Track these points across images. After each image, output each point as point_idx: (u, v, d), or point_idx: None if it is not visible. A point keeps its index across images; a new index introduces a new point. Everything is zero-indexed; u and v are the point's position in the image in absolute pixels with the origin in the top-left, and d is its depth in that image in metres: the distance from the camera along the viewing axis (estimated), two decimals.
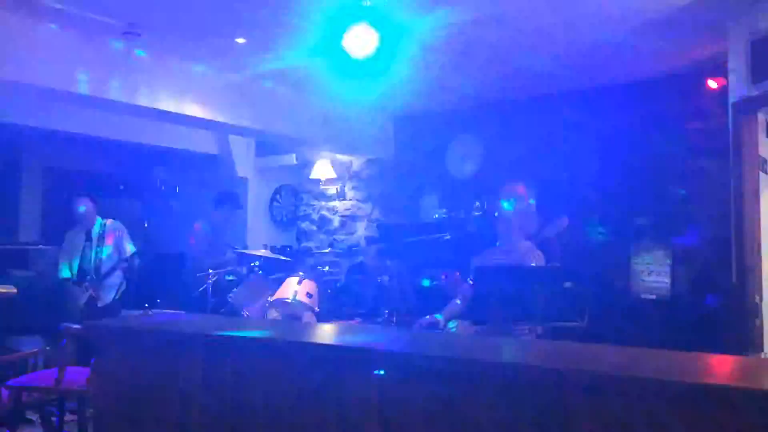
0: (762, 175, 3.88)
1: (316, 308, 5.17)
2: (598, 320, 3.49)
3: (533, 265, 3.92)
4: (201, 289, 5.30)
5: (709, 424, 1.59)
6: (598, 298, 3.47)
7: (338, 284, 6.29)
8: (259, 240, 8.05)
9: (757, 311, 3.75)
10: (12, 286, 4.69)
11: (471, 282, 4.03)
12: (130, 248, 5.97)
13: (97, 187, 7.87)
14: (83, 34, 4.67)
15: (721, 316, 4.11)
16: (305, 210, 8.07)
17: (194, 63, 5.43)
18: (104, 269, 5.88)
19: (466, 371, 1.93)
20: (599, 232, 5.68)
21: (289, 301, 5.14)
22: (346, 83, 5.94)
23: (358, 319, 5.27)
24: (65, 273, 6.02)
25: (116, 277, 5.87)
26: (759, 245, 3.83)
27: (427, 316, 4.19)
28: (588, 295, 3.39)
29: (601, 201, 5.77)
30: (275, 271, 5.95)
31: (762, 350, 3.66)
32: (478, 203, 6.40)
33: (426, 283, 5.75)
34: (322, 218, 7.91)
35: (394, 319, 4.62)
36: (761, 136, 3.90)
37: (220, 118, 5.71)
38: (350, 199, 7.71)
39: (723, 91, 4.39)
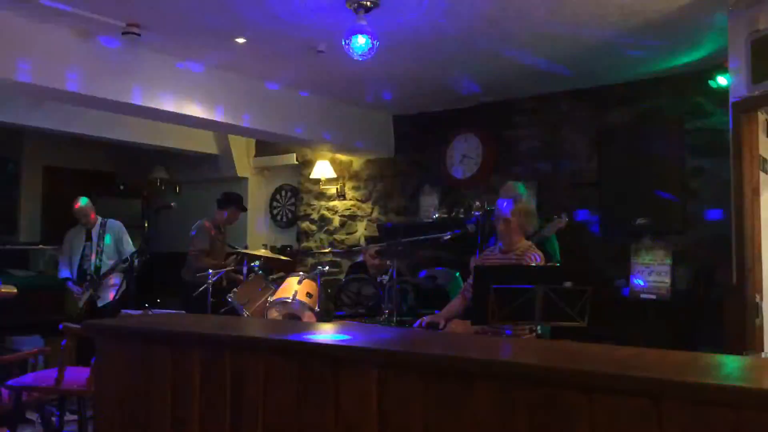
0: (762, 174, 3.88)
1: (316, 308, 5.17)
2: (598, 320, 3.49)
3: (533, 264, 3.92)
4: (201, 289, 5.30)
5: (709, 424, 1.59)
6: (598, 298, 3.46)
7: (338, 284, 6.28)
8: (259, 240, 8.07)
9: (757, 311, 3.75)
10: (12, 286, 4.69)
11: (471, 282, 4.03)
12: (130, 248, 5.97)
13: (97, 187, 7.90)
14: (83, 33, 4.67)
15: (720, 316, 4.10)
16: (305, 210, 8.07)
17: (194, 63, 5.44)
18: (104, 269, 5.89)
19: (466, 371, 1.93)
20: (599, 231, 5.68)
21: (289, 301, 5.14)
22: (345, 82, 5.95)
23: (358, 319, 5.26)
24: (65, 273, 6.03)
25: (116, 277, 5.88)
26: (759, 245, 3.83)
27: (427, 316, 4.19)
28: (588, 295, 3.38)
29: (601, 201, 5.77)
30: (275, 272, 5.96)
31: (762, 350, 3.66)
32: (478, 203, 6.40)
33: (426, 283, 5.75)
34: (322, 218, 7.92)
35: (394, 319, 4.61)
36: (761, 136, 3.90)
37: (220, 118, 5.71)
38: (350, 199, 7.72)
39: (723, 90, 4.39)
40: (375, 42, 3.98)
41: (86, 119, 6.47)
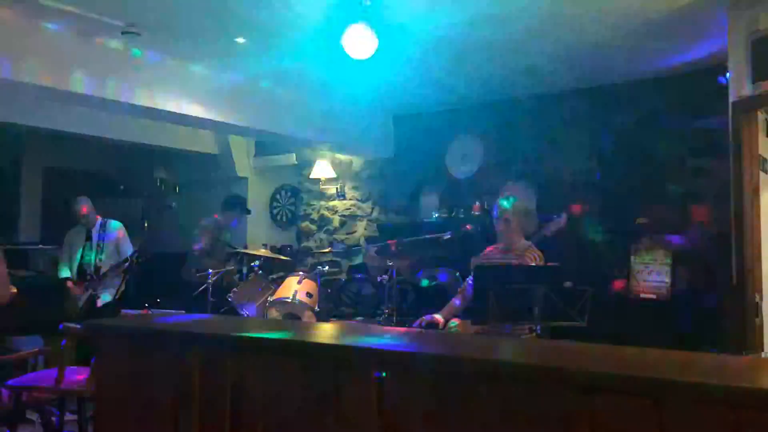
0: (762, 174, 3.88)
1: (316, 308, 5.17)
2: (598, 320, 3.49)
3: (533, 264, 3.92)
4: (201, 289, 5.30)
5: (709, 424, 1.59)
6: (598, 298, 3.46)
7: (338, 284, 6.29)
8: (259, 240, 8.06)
9: (757, 311, 3.75)
10: (12, 286, 4.68)
11: (471, 282, 4.03)
12: (129, 248, 5.97)
13: (97, 187, 7.90)
14: (83, 33, 4.67)
15: (720, 316, 4.10)
16: (305, 210, 8.07)
17: (194, 63, 5.43)
18: (104, 269, 5.88)
19: (466, 370, 1.93)
20: (599, 231, 5.68)
21: (289, 300, 5.14)
22: (346, 83, 5.94)
23: (358, 319, 5.26)
24: (65, 273, 6.03)
25: (116, 277, 5.88)
26: (759, 245, 3.83)
27: (427, 316, 4.19)
28: (588, 295, 3.39)
29: (601, 201, 5.78)
30: (275, 271, 5.96)
31: (762, 350, 3.66)
32: (478, 203, 6.41)
33: (426, 283, 5.75)
34: (322, 218, 7.92)
35: (394, 319, 4.62)
36: (761, 136, 3.90)
37: (220, 118, 5.71)
38: (350, 199, 7.72)
39: (723, 90, 4.39)
40: (375, 41, 3.98)
41: (86, 119, 6.46)
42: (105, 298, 5.85)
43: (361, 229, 7.60)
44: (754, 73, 3.77)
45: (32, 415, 4.66)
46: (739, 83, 3.91)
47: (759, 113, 3.87)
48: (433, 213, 6.79)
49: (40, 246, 7.52)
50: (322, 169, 7.60)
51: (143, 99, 5.16)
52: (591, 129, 6.00)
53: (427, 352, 2.15)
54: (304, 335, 2.59)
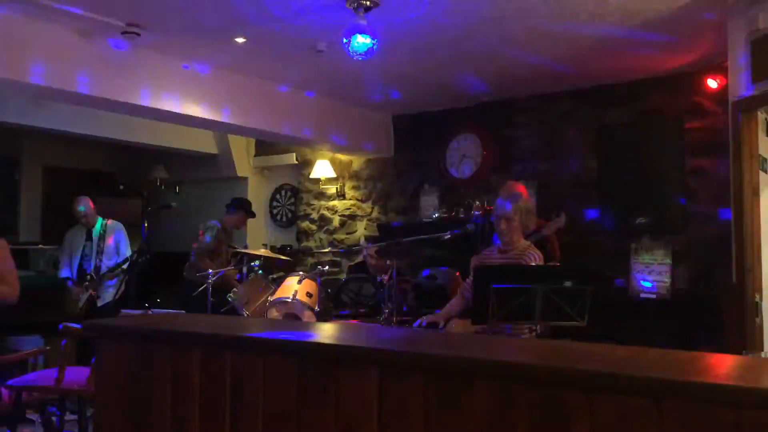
0: (762, 174, 3.88)
1: (316, 308, 5.16)
2: (598, 320, 3.49)
3: (532, 264, 3.92)
4: (201, 289, 5.30)
5: (709, 423, 1.59)
6: (598, 298, 3.46)
7: (338, 284, 6.28)
8: (259, 239, 8.06)
9: (757, 311, 3.75)
10: None
11: (470, 281, 4.03)
12: (129, 248, 5.98)
13: (97, 187, 7.90)
14: (83, 33, 4.67)
15: (720, 316, 4.10)
16: (305, 210, 8.07)
17: (194, 63, 5.44)
18: (104, 269, 5.89)
19: (466, 371, 1.93)
20: (599, 230, 5.68)
21: (289, 300, 5.14)
22: (345, 82, 5.95)
23: (358, 319, 5.26)
24: (65, 273, 6.03)
25: (116, 278, 5.88)
26: (759, 245, 3.83)
27: (427, 316, 4.19)
28: (588, 295, 3.38)
29: (601, 201, 5.77)
30: (275, 271, 5.96)
31: (762, 350, 3.66)
32: (478, 203, 6.40)
33: (426, 283, 5.75)
34: (322, 218, 7.92)
35: (394, 319, 4.61)
36: (761, 135, 3.90)
37: (220, 118, 5.71)
38: (350, 199, 7.72)
39: (723, 90, 4.39)
40: (375, 42, 3.98)
41: (86, 119, 6.47)
42: (105, 298, 5.85)
43: (361, 229, 7.60)
44: (753, 73, 3.77)
45: (32, 415, 4.66)
46: (738, 83, 3.91)
47: (759, 113, 3.87)
48: (433, 213, 6.79)
49: (40, 246, 7.52)
50: (321, 169, 7.60)
51: (143, 99, 5.16)
52: (591, 129, 6.00)
53: (426, 352, 2.14)
54: (304, 335, 2.59)
